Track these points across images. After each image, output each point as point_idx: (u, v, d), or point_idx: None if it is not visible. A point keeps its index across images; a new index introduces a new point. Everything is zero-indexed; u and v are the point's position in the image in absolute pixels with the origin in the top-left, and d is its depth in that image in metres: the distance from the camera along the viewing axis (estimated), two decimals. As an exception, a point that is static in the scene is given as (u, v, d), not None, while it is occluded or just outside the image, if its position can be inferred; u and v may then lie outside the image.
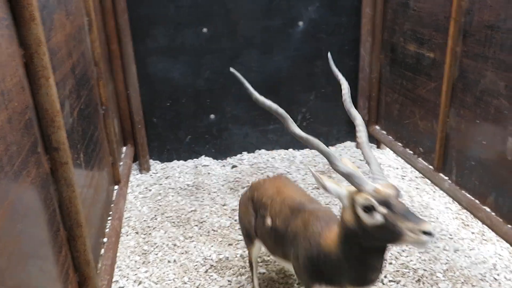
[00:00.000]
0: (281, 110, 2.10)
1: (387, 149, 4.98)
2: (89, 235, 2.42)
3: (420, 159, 4.17)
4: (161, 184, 4.35)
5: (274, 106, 2.12)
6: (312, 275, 2.09)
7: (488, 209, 3.26)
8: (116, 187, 3.82)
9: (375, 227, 1.70)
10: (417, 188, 4.30)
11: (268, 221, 2.44)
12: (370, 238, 1.76)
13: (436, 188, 4.16)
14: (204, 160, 4.81)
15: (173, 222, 3.73)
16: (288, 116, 2.09)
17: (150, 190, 4.25)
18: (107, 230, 3.20)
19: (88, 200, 2.67)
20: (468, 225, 3.70)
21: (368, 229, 1.72)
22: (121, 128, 4.45)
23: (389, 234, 1.68)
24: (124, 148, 4.49)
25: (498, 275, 3.09)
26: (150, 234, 3.56)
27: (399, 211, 1.69)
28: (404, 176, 4.54)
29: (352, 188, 1.81)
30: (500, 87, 3.04)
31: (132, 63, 4.25)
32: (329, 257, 1.95)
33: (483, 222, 3.26)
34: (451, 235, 3.53)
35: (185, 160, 4.82)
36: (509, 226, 3.07)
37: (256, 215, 2.60)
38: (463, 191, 3.53)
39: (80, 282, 2.21)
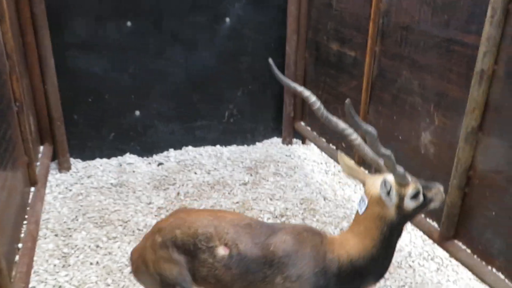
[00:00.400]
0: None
1: (312, 144, 5.10)
2: (0, 242, 2.26)
3: (342, 154, 4.30)
4: (82, 184, 4.13)
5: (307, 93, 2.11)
6: None
7: (404, 201, 3.43)
8: (32, 188, 3.58)
9: (417, 208, 1.99)
10: (339, 182, 4.43)
11: (221, 251, 1.98)
12: (407, 220, 2.05)
13: (357, 181, 4.30)
14: (129, 157, 4.63)
15: (96, 222, 3.55)
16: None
17: (70, 190, 4.02)
18: (22, 235, 3.00)
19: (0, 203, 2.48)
20: (386, 216, 3.87)
21: (409, 213, 1.98)
22: (38, 125, 4.16)
23: (423, 206, 2.02)
24: (41, 147, 4.21)
25: (413, 261, 3.26)
26: (70, 236, 3.37)
27: (424, 185, 2.03)
28: (328, 170, 4.66)
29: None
30: (414, 86, 3.20)
31: (49, 57, 3.97)
32: (360, 265, 1.97)
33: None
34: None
35: (109, 158, 4.61)
36: (423, 216, 3.25)
37: (188, 258, 2.03)
38: (381, 184, 3.69)
39: (-9, 292, 2.04)
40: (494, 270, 2.66)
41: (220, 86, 4.82)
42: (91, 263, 3.08)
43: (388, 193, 1.89)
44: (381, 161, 2.06)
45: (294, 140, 5.27)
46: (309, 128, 4.96)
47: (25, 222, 3.14)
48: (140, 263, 2.14)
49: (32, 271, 2.94)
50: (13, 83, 3.23)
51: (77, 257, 3.14)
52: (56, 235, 3.37)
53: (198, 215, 2.12)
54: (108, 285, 2.89)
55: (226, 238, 1.98)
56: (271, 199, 4.01)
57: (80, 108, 4.37)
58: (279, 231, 2.04)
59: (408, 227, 3.68)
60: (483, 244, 2.73)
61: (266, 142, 5.24)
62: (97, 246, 3.26)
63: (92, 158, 4.57)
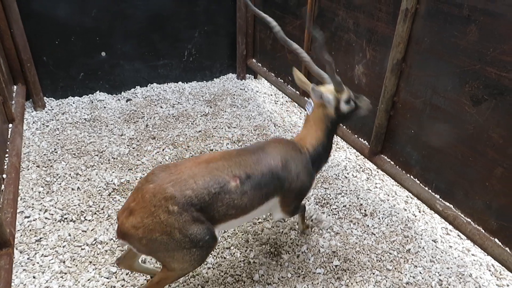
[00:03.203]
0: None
1: (263, 79, 5.07)
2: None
3: (289, 86, 4.32)
4: (58, 120, 3.97)
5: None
6: (312, 178, 2.26)
7: (340, 124, 3.53)
8: (10, 125, 3.40)
9: (350, 111, 2.26)
10: (287, 110, 4.48)
11: (233, 183, 1.88)
12: (344, 119, 2.31)
13: (302, 109, 4.38)
14: (99, 95, 4.45)
15: (74, 153, 3.47)
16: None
17: (47, 126, 3.85)
18: (5, 167, 2.88)
19: (-21, 139, 2.35)
20: (326, 137, 4.00)
21: (345, 114, 2.26)
22: (10, 67, 3.87)
23: (354, 110, 2.28)
24: (14, 87, 3.95)
25: (348, 173, 3.43)
26: (51, 166, 3.28)
27: (355, 96, 2.30)
28: (277, 101, 4.69)
29: (329, 92, 2.19)
30: (350, 24, 3.18)
31: (12, 0, 3.62)
32: (319, 151, 2.26)
33: (337, 134, 3.53)
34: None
35: (80, 96, 4.42)
36: (356, 136, 3.37)
37: (204, 210, 1.83)
38: (322, 111, 3.76)
39: (-18, 217, 1.99)
40: (411, 177, 2.85)
41: (178, 27, 4.60)
42: (72, 189, 3.05)
43: (321, 97, 2.17)
44: (323, 75, 2.27)
45: (247, 75, 5.22)
46: (260, 65, 4.90)
47: (6, 155, 3.02)
48: (156, 235, 1.75)
49: (19, 198, 2.89)
50: (-21, 26, 2.95)
51: (59, 184, 3.09)
52: (38, 166, 3.27)
53: (190, 169, 1.86)
54: (90, 206, 2.88)
55: (230, 170, 1.90)
56: (229, 127, 4.02)
57: (48, 50, 4.08)
58: (266, 148, 2.10)
59: (344, 146, 3.83)
60: (403, 157, 2.89)
61: (223, 78, 5.16)
62: (77, 174, 3.21)
63: (65, 96, 4.36)
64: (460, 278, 2.48)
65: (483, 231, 2.38)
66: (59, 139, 3.65)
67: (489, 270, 2.55)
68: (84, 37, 4.17)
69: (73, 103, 4.28)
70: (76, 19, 4.06)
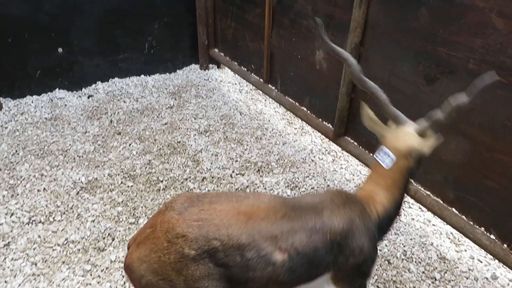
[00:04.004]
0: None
1: (226, 68, 5.08)
2: None
3: (252, 74, 4.36)
4: (17, 120, 3.84)
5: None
6: (376, 250, 1.73)
7: (305, 109, 3.63)
8: (-34, 128, 3.27)
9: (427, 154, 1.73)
10: (252, 98, 4.53)
11: (279, 257, 1.50)
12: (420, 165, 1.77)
13: (267, 96, 4.44)
14: (59, 92, 4.33)
15: (37, 154, 3.38)
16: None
17: (6, 127, 3.72)
18: (-35, 171, 2.78)
19: None
20: (292, 123, 4.08)
21: (422, 159, 1.75)
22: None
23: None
24: (-32, 89, 3.79)
25: (314, 157, 3.53)
26: (14, 168, 3.19)
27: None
28: (241, 89, 4.72)
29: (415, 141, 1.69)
30: (308, 10, 3.24)
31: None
32: (391, 214, 1.74)
33: (302, 119, 3.64)
34: (280, 132, 3.87)
35: (39, 95, 4.27)
36: (320, 120, 3.47)
37: (231, 267, 1.48)
38: (286, 97, 3.84)
39: None
40: (374, 155, 2.97)
41: (137, 20, 4.52)
42: (38, 190, 2.98)
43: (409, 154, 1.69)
44: (400, 116, 1.77)
45: (210, 65, 5.21)
46: (222, 54, 4.90)
47: (-34, 160, 2.91)
48: (157, 279, 1.46)
49: (-17, 203, 2.80)
50: None
51: (24, 186, 3.01)
52: (-1, 170, 3.18)
53: (225, 216, 1.50)
54: (58, 206, 2.83)
55: (276, 241, 1.51)
56: (195, 118, 4.02)
57: (1, 48, 3.92)
58: (322, 211, 1.61)
59: (309, 130, 3.93)
60: (366, 137, 3.01)
61: (186, 69, 5.12)
62: (42, 175, 3.14)
63: (22, 96, 4.21)
64: (423, 247, 2.63)
65: (442, 202, 2.53)
66: (19, 140, 3.54)
67: (449, 238, 2.73)
68: (39, 33, 4.02)
69: (32, 102, 4.15)
70: (29, 16, 3.91)
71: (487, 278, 2.44)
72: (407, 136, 1.70)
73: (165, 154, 3.44)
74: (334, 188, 1.69)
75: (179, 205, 1.53)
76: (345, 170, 3.38)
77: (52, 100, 4.21)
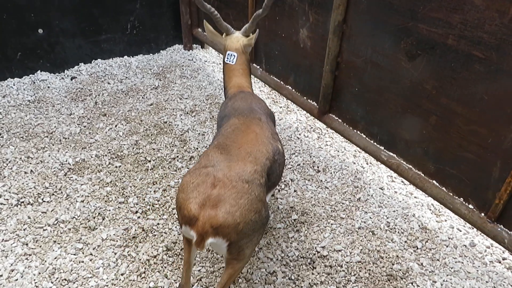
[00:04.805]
0: None
1: (210, 48, 5.06)
2: None
3: (237, 54, 4.35)
4: (-1, 104, 3.79)
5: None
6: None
7: (289, 87, 3.66)
8: None
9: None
10: (237, 78, 4.53)
11: (280, 146, 2.07)
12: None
13: (251, 76, 4.44)
14: (41, 75, 4.27)
15: (22, 137, 3.36)
16: None
17: (-12, 110, 3.68)
18: (-50, 155, 2.75)
19: None
20: (277, 101, 4.13)
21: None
22: None
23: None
24: None
25: (299, 134, 3.59)
26: (-1, 152, 3.18)
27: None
28: (226, 69, 4.71)
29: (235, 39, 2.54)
30: (292, -12, 3.24)
31: None
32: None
33: (287, 98, 3.67)
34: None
35: (20, 77, 4.21)
36: (305, 98, 3.51)
37: (269, 173, 1.89)
38: (271, 76, 3.87)
39: None
40: (358, 132, 3.05)
41: (118, 0, 4.45)
42: (25, 172, 2.98)
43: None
44: (229, 28, 2.57)
45: (194, 45, 5.18)
46: (206, 34, 4.86)
47: (-51, 144, 2.88)
48: (251, 215, 1.62)
49: (-31, 186, 2.80)
50: None
51: (11, 169, 3.01)
52: (-16, 153, 3.15)
53: (253, 142, 1.90)
54: (47, 187, 2.84)
55: (276, 138, 2.06)
56: (180, 99, 4.03)
57: (-21, 30, 3.84)
58: (252, 105, 2.25)
59: (294, 108, 3.98)
60: (350, 114, 3.07)
61: (169, 49, 5.09)
62: (28, 157, 3.13)
63: (3, 79, 4.14)
64: (405, 218, 2.74)
65: (423, 175, 2.63)
66: (3, 123, 3.50)
67: (430, 209, 2.84)
68: (17, 14, 3.94)
69: (14, 85, 4.08)
70: (6, -5, 3.82)
71: (465, 246, 2.57)
72: (237, 39, 2.52)
73: (152, 135, 3.46)
74: (237, 94, 2.37)
75: (216, 157, 1.79)
76: (330, 146, 3.45)
77: (34, 83, 4.15)
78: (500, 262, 2.47)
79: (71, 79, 4.28)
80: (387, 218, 2.74)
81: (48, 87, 4.10)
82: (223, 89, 2.96)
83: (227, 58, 2.49)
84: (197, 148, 3.30)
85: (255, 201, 1.64)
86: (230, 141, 1.90)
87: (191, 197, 1.61)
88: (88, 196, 2.79)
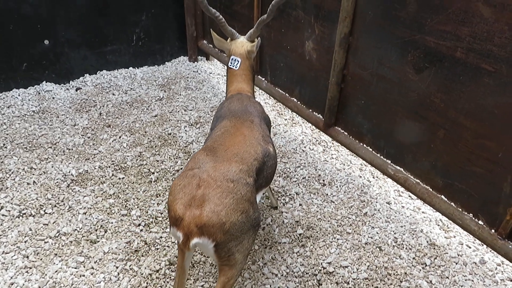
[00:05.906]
0: None
1: (215, 60, 5.07)
2: None
3: (242, 65, 4.35)
4: (3, 114, 3.79)
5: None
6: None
7: (295, 100, 3.65)
8: (-48, 122, 3.22)
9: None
10: (242, 90, 4.53)
11: (271, 148, 2.07)
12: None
13: (256, 88, 4.44)
14: (46, 85, 4.29)
15: (25, 147, 3.35)
16: None
17: (-8, 121, 3.69)
18: (-48, 165, 2.75)
19: None
20: (282, 114, 4.11)
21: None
22: None
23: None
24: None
25: (305, 147, 3.57)
26: (2, 162, 3.16)
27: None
28: (231, 81, 4.71)
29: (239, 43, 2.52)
30: (297, 1, 3.26)
31: None
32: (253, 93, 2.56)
33: (292, 110, 3.66)
34: (271, 123, 3.88)
35: (26, 88, 4.23)
36: (310, 110, 3.50)
37: (258, 174, 1.88)
38: (276, 88, 3.86)
39: None
40: (364, 145, 3.02)
41: (123, 11, 4.49)
42: (28, 183, 2.97)
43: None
44: (234, 32, 2.57)
45: (199, 57, 5.20)
46: (211, 46, 4.89)
47: (-47, 154, 2.87)
48: (237, 216, 1.60)
49: (-29, 197, 2.78)
50: None
51: (13, 179, 2.99)
52: (-13, 163, 3.15)
53: (241, 143, 1.90)
54: (49, 199, 2.82)
55: (267, 141, 2.06)
56: (185, 110, 4.03)
57: (-15, 40, 3.87)
58: (248, 107, 2.27)
59: (300, 121, 3.96)
60: (356, 127, 3.05)
61: (175, 61, 5.11)
62: (31, 168, 3.12)
63: (8, 89, 4.16)
64: (413, 234, 2.69)
65: (431, 189, 2.59)
66: (7, 134, 3.51)
67: (438, 225, 2.79)
68: (23, 25, 3.97)
69: (19, 95, 4.10)
70: (12, 7, 3.86)
71: (475, 263, 2.51)
72: (242, 43, 2.50)
73: (156, 146, 3.45)
74: (235, 96, 2.37)
75: (202, 159, 1.77)
76: (336, 160, 3.42)
77: (39, 93, 4.17)
78: (511, 281, 2.41)
79: (76, 90, 4.29)
80: (395, 233, 2.69)
81: (53, 97, 4.12)
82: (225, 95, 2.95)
83: (231, 63, 2.50)
84: (201, 160, 3.28)
85: (241, 200, 1.62)
86: (217, 143, 1.90)
87: (177, 198, 1.62)
88: (90, 208, 2.77)
